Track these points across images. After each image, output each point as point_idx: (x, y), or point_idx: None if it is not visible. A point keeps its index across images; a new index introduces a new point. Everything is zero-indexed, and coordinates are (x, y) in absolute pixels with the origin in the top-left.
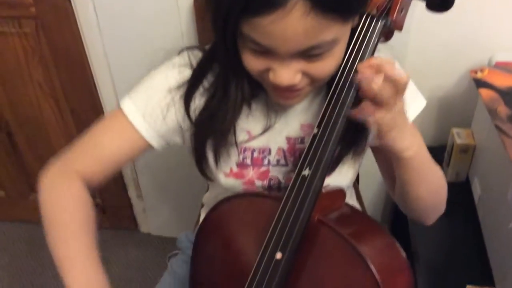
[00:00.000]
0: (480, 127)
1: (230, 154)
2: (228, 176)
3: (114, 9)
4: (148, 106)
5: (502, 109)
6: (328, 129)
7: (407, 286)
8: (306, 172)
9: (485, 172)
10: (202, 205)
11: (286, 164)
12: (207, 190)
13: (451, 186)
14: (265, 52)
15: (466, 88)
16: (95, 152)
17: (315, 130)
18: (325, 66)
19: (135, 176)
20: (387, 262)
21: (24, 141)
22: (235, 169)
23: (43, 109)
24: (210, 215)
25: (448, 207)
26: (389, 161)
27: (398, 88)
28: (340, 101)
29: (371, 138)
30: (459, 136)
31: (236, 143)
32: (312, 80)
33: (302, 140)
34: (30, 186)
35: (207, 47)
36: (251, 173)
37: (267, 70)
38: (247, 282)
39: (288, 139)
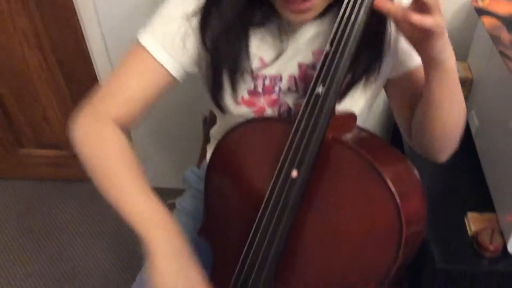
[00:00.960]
0: (478, 59)
1: (243, 81)
2: (240, 104)
3: None
4: (166, 36)
5: (505, 36)
6: (341, 45)
7: (421, 204)
8: (320, 89)
9: (483, 104)
10: (208, 141)
11: (297, 91)
12: (207, 126)
13: None
14: None
15: (462, 22)
16: (123, 96)
17: (327, 48)
18: None
19: None
20: (403, 179)
21: (9, 95)
22: (246, 96)
23: (29, 60)
24: (223, 142)
25: None
26: (410, 93)
27: None
28: (353, 15)
29: (386, 66)
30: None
31: (251, 69)
32: None
33: (313, 67)
34: (17, 141)
35: None
36: (262, 101)
37: None
38: (264, 202)
39: (300, 65)
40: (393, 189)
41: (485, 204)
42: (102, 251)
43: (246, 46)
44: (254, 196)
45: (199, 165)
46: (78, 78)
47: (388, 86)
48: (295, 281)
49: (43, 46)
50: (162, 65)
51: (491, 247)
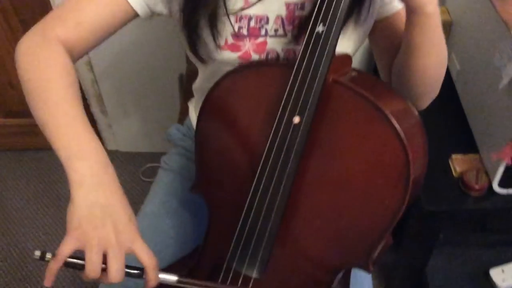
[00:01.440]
0: (456, 1)
1: (225, 23)
2: (223, 48)
3: None
4: None
5: None
6: None
7: (424, 142)
8: (320, 28)
9: (463, 46)
10: (189, 97)
11: (285, 35)
12: (183, 83)
13: None
14: None
15: None
16: (75, 19)
17: None
18: None
19: (96, 88)
20: (406, 118)
21: None
22: (230, 40)
23: None
24: (214, 92)
25: None
26: (391, 36)
27: None
28: None
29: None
30: None
31: (226, 10)
32: None
33: (302, 6)
34: None
35: None
36: (247, 45)
37: None
38: (265, 151)
39: (288, 4)
40: (398, 128)
41: (468, 145)
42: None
43: None
44: (252, 146)
45: (182, 121)
46: None
47: (372, 31)
48: (302, 230)
49: (5, 8)
50: None
51: (477, 186)
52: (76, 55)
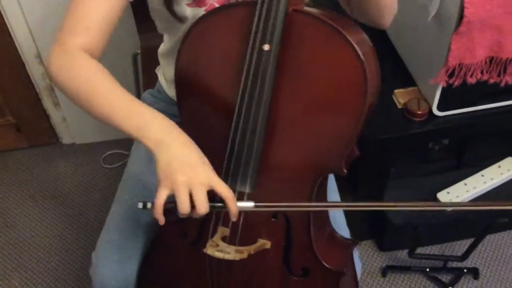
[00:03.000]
0: None
1: None
2: (190, 5)
3: None
4: None
5: None
6: None
7: (376, 63)
8: None
9: None
10: (147, 72)
11: None
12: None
13: None
14: None
15: None
16: (84, 25)
17: None
18: None
19: (48, 81)
20: (360, 38)
21: None
22: None
23: None
24: (189, 37)
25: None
26: None
27: None
28: None
29: None
30: None
31: None
32: None
33: None
34: None
35: None
36: None
37: None
38: (242, 80)
39: None
40: (357, 48)
41: (407, 82)
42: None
43: None
44: (230, 78)
45: (153, 86)
46: None
47: None
48: (283, 143)
49: None
50: None
51: (420, 112)
52: (97, 54)
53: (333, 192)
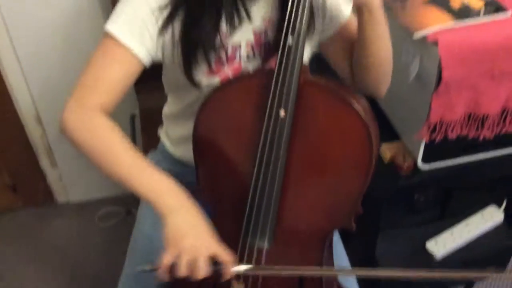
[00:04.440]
0: None
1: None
2: (206, 74)
3: None
4: (133, 24)
5: None
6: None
7: (376, 125)
8: (290, 39)
9: None
10: (146, 134)
11: (254, 57)
12: (135, 122)
13: None
14: None
15: None
16: (102, 86)
17: (290, 4)
18: None
19: (46, 142)
20: (361, 104)
21: None
22: (210, 67)
23: None
24: (207, 106)
25: None
26: (346, 42)
27: None
28: None
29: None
30: None
31: (224, 43)
32: None
33: (265, 33)
34: None
35: None
36: (226, 69)
37: None
38: (261, 144)
39: (255, 33)
40: (363, 115)
41: (391, 135)
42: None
43: (216, 25)
44: (247, 143)
45: (154, 149)
46: None
47: (328, 45)
48: (298, 201)
49: None
50: (130, 50)
51: (405, 166)
52: (111, 110)
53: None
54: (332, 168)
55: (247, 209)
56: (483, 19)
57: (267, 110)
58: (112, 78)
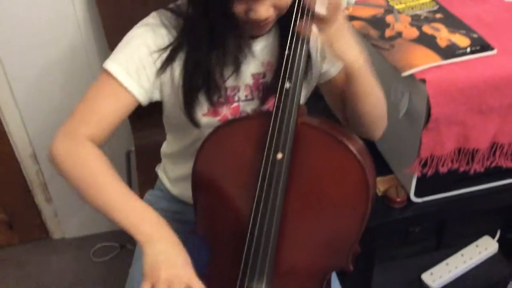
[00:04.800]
0: None
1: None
2: (206, 115)
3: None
4: (130, 63)
5: (372, 32)
6: (298, 47)
7: (372, 164)
8: (287, 84)
9: None
10: (141, 171)
11: (253, 98)
12: (130, 159)
13: None
14: None
15: None
16: (93, 118)
17: (287, 51)
18: None
19: (41, 178)
20: (357, 144)
21: None
22: (211, 108)
23: None
24: (206, 146)
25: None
26: (340, 91)
27: (336, 5)
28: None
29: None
30: None
31: (224, 84)
32: (279, 10)
33: (264, 75)
34: None
35: (171, 6)
36: (225, 110)
37: (247, 10)
38: (258, 185)
39: (253, 75)
40: (359, 157)
41: (384, 168)
42: None
43: (221, 69)
44: (245, 185)
45: (153, 188)
46: None
47: (324, 88)
48: (296, 242)
49: None
50: (126, 88)
51: (399, 199)
52: (102, 143)
53: None
54: (329, 209)
55: (245, 250)
56: (469, 57)
57: (265, 153)
58: (104, 112)
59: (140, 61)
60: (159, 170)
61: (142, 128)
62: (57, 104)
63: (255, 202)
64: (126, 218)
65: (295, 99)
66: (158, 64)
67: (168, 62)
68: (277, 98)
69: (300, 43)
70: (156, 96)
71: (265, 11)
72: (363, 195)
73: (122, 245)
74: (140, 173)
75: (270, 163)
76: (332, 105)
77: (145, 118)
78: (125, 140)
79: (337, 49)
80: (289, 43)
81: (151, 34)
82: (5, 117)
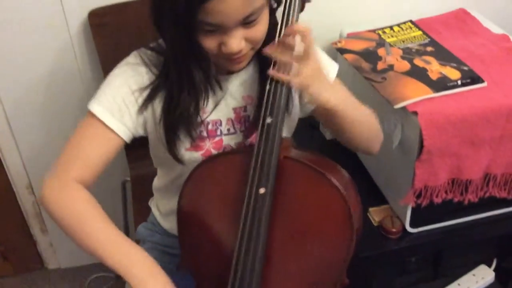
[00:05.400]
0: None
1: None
2: (189, 150)
3: None
4: (113, 104)
5: (365, 65)
6: (279, 83)
7: (357, 197)
8: (268, 120)
9: None
10: (139, 200)
11: (235, 132)
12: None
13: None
14: (215, 30)
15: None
16: (80, 160)
17: (268, 87)
18: (260, 29)
19: (37, 209)
20: (341, 178)
21: None
22: (193, 143)
23: None
24: (190, 182)
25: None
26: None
27: (308, 43)
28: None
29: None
30: None
31: (202, 120)
32: (252, 43)
33: (245, 109)
34: None
35: (152, 44)
36: (208, 144)
37: (219, 45)
38: (242, 220)
39: (234, 109)
40: (342, 190)
41: (379, 198)
42: None
43: (195, 103)
44: (228, 220)
45: (145, 220)
46: None
47: (314, 116)
48: (280, 275)
49: None
50: (110, 128)
51: (394, 230)
52: (90, 184)
53: None
54: (313, 241)
55: (229, 285)
56: (460, 89)
57: (247, 188)
58: (90, 153)
59: (123, 100)
60: (152, 204)
61: (138, 159)
62: (54, 134)
63: (238, 237)
64: (117, 262)
65: (277, 134)
66: (140, 102)
67: (149, 100)
68: (258, 133)
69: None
70: (140, 132)
71: (237, 44)
72: (347, 227)
73: (118, 276)
74: (135, 203)
75: (253, 198)
76: (324, 128)
77: (141, 148)
78: (121, 170)
79: (313, 92)
80: (270, 78)
81: (131, 73)
82: (1, 148)
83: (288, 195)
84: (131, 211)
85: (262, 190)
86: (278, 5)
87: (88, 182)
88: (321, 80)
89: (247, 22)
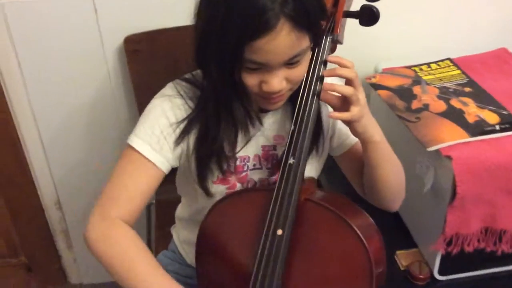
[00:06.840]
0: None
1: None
2: (215, 183)
3: (37, 51)
4: (152, 136)
5: (399, 103)
6: (303, 124)
7: (381, 245)
8: (291, 160)
9: None
10: (160, 225)
11: (261, 168)
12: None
13: None
14: (258, 68)
15: None
16: (122, 196)
17: (292, 127)
18: (301, 70)
19: (64, 226)
20: (365, 225)
21: None
22: (220, 176)
23: None
24: (210, 218)
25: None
26: (356, 162)
27: (355, 84)
28: (309, 101)
29: (330, 144)
30: None
31: (234, 155)
32: (292, 83)
33: (274, 148)
34: None
35: (187, 75)
36: (233, 178)
37: (260, 83)
38: (257, 261)
39: (263, 147)
40: (360, 234)
41: (408, 242)
42: None
43: (233, 139)
44: (245, 257)
45: (167, 248)
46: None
47: (340, 161)
48: None
49: None
50: (150, 161)
51: (421, 276)
52: (134, 220)
53: None
54: (330, 285)
55: None
56: (498, 135)
57: (265, 228)
58: (133, 188)
59: (161, 132)
60: (174, 232)
61: (164, 183)
62: (84, 153)
63: (253, 275)
64: None
65: (298, 175)
66: (177, 134)
67: (185, 132)
68: (280, 173)
69: (305, 119)
70: (176, 164)
71: (278, 83)
72: (366, 275)
73: None
74: (158, 228)
75: (269, 239)
76: (349, 176)
77: (168, 173)
78: None
79: (360, 128)
80: (295, 119)
81: (169, 105)
82: (34, 167)
83: (306, 238)
84: (153, 235)
85: (279, 232)
86: (315, 47)
87: (131, 218)
88: (368, 114)
89: (291, 62)
